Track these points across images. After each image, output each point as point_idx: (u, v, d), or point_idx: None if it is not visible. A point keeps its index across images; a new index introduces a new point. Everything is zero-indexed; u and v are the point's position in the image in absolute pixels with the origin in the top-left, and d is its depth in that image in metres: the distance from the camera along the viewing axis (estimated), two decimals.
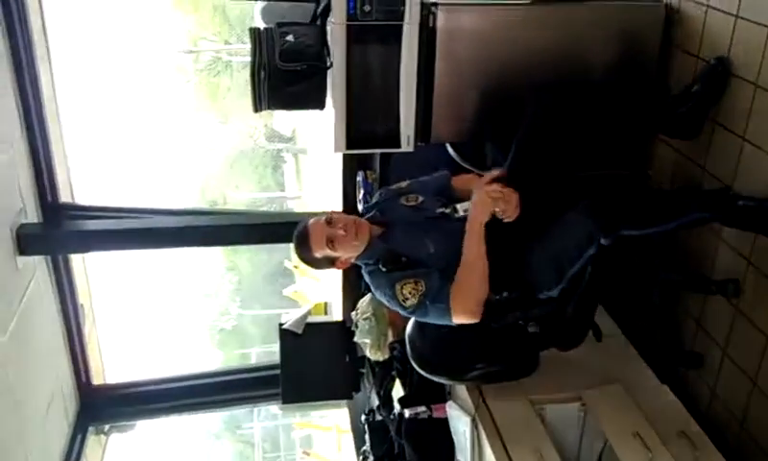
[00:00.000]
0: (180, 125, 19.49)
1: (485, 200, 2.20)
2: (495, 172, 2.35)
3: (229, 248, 17.56)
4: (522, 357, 2.46)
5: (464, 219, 2.23)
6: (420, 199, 2.43)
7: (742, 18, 2.33)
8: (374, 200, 2.59)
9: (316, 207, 16.94)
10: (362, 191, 3.19)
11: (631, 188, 2.66)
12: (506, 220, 2.19)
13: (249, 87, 2.70)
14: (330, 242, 2.22)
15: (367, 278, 2.36)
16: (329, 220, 2.25)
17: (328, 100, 2.75)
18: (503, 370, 2.47)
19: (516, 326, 2.34)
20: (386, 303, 2.32)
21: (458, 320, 2.17)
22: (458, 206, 2.28)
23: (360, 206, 3.21)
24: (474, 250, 2.18)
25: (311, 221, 2.29)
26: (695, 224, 2.33)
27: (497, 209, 2.18)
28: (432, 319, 2.23)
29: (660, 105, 2.60)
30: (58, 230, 3.63)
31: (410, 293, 2.20)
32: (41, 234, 3.50)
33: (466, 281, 2.17)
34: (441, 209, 2.31)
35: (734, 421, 2.45)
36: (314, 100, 2.78)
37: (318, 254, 2.27)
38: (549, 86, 2.46)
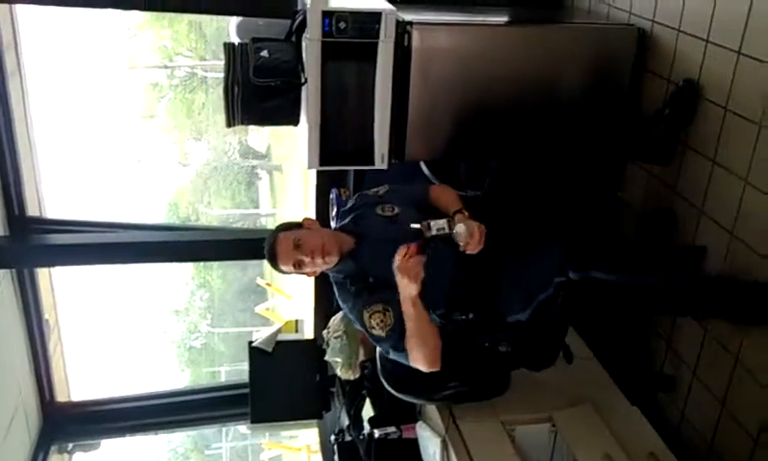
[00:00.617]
0: (153, 140, 19.35)
1: (403, 280, 2.11)
2: (409, 247, 2.15)
3: (201, 264, 17.43)
4: (493, 377, 2.47)
5: (435, 238, 2.20)
6: (396, 211, 2.38)
7: (712, 43, 2.37)
8: (350, 204, 2.54)
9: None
10: (335, 208, 3.17)
11: (610, 234, 2.65)
12: (468, 252, 2.16)
13: (222, 101, 2.68)
14: (297, 265, 2.23)
15: (335, 287, 2.38)
16: (297, 244, 2.22)
17: (303, 116, 2.74)
18: (474, 390, 2.47)
19: (486, 346, 2.34)
20: (352, 318, 2.35)
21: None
22: (431, 223, 2.23)
23: (333, 223, 3.19)
24: (413, 324, 2.16)
25: (280, 237, 2.25)
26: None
27: (461, 243, 2.15)
28: (394, 357, 2.27)
29: (632, 129, 2.63)
30: (23, 244, 3.58)
31: (378, 324, 2.24)
32: (6, 247, 3.44)
33: (416, 350, 2.18)
34: (414, 225, 2.28)
35: (703, 443, 2.47)
36: (288, 115, 2.76)
37: (286, 271, 2.29)
38: (515, 148, 2.55)
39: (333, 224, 3.18)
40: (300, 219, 2.40)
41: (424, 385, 2.47)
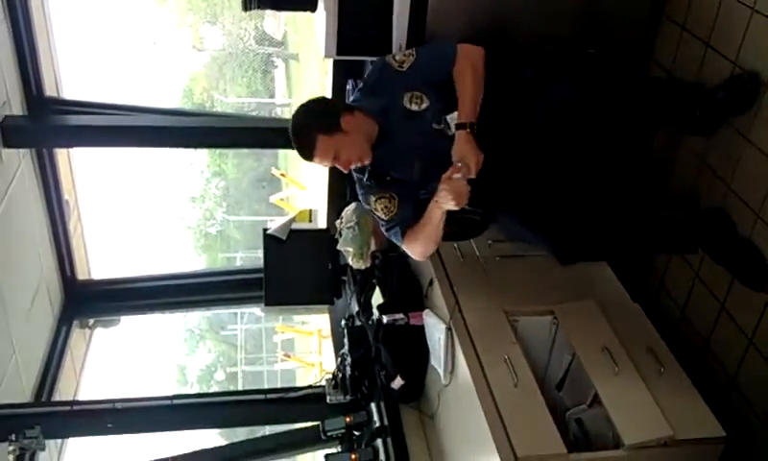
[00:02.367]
0: (168, 22, 18.97)
1: (448, 196, 2.16)
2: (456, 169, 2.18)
3: (217, 153, 17.45)
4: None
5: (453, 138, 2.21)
6: (424, 105, 2.29)
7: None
8: (374, 76, 2.39)
9: None
10: (351, 99, 3.16)
11: (600, 220, 2.43)
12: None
13: None
14: (336, 159, 2.27)
15: (354, 175, 2.46)
16: (337, 155, 2.25)
17: (320, 2, 2.69)
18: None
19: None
20: (360, 199, 2.50)
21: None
22: (448, 118, 2.25)
23: None
24: (429, 228, 2.29)
25: (320, 140, 2.23)
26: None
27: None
28: (388, 236, 2.44)
29: (678, 100, 2.45)
30: (42, 124, 3.60)
31: (382, 210, 2.39)
32: (25, 127, 3.47)
33: (420, 239, 2.34)
34: (436, 126, 2.27)
35: (699, 339, 2.55)
36: (305, 1, 2.72)
37: (318, 163, 2.33)
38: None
39: None
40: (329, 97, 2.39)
41: None
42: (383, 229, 2.45)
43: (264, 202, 16.14)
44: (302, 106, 2.35)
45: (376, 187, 2.38)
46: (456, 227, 2.41)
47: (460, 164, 2.16)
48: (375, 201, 2.39)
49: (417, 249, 2.38)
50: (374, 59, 2.41)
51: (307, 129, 2.26)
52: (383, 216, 2.40)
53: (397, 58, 2.34)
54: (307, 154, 2.28)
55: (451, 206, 2.18)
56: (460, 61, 2.25)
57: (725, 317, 2.43)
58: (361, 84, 2.45)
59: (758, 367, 2.27)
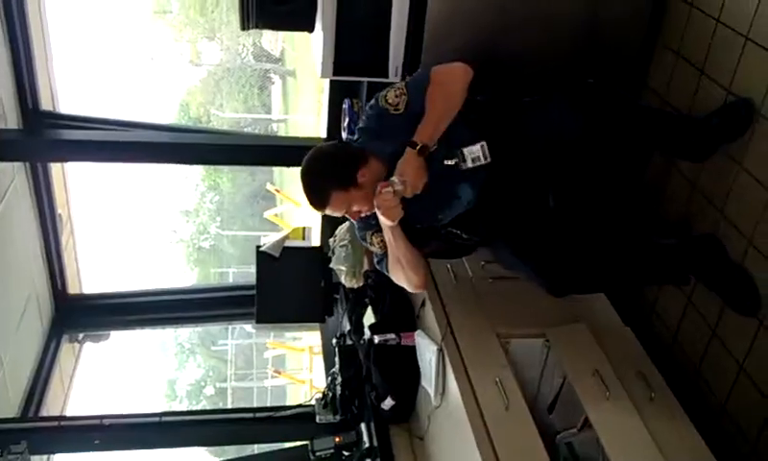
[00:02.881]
0: (166, 37, 19.04)
1: (379, 213, 2.14)
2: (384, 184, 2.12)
3: (212, 167, 17.46)
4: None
5: (470, 171, 2.16)
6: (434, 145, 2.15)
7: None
8: (373, 122, 2.27)
9: (301, 132, 16.81)
10: (347, 119, 3.18)
11: (590, 254, 2.38)
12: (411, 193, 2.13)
13: (237, 1, 2.66)
14: (347, 211, 2.23)
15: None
16: (350, 210, 2.22)
17: (318, 22, 2.71)
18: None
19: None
20: (357, 235, 2.47)
21: None
22: (465, 152, 2.15)
23: (344, 134, 3.20)
24: (391, 243, 2.26)
25: (334, 196, 2.17)
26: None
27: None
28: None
29: (672, 126, 2.48)
30: (37, 138, 3.59)
31: (378, 244, 2.37)
32: (20, 141, 3.47)
33: (392, 264, 2.33)
34: (448, 162, 2.17)
35: (690, 364, 2.56)
36: (303, 21, 2.74)
37: (330, 213, 2.29)
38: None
39: (344, 134, 3.20)
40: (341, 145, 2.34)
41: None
42: (375, 260, 2.45)
43: (258, 217, 16.15)
44: (316, 157, 2.24)
45: (377, 224, 2.30)
46: (445, 245, 2.40)
47: (395, 179, 2.10)
48: (372, 235, 2.36)
49: (397, 275, 2.34)
50: (368, 103, 2.32)
51: (322, 182, 2.19)
52: (378, 250, 2.38)
53: (390, 100, 2.22)
54: (319, 207, 2.23)
55: (385, 221, 2.15)
56: (430, 87, 2.16)
57: (716, 343, 2.43)
58: (362, 124, 2.32)
59: (749, 393, 2.27)
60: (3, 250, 3.40)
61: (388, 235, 2.24)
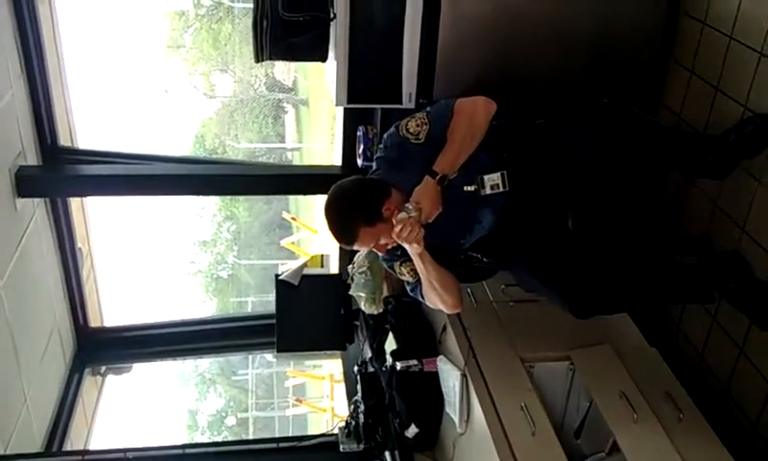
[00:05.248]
0: (180, 70, 19.30)
1: (405, 242, 2.15)
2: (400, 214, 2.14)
3: (228, 197, 17.58)
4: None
5: (490, 197, 2.20)
6: (454, 173, 2.17)
7: None
8: (394, 153, 2.26)
9: (315, 160, 16.89)
10: (362, 146, 3.19)
11: (615, 274, 2.34)
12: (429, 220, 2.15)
13: (250, 35, 2.69)
14: (375, 245, 2.23)
15: None
16: (377, 244, 2.22)
17: (331, 52, 2.73)
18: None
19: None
20: (384, 265, 2.46)
21: None
22: (485, 179, 2.18)
23: (359, 161, 3.21)
24: (420, 268, 2.25)
25: (362, 233, 2.16)
26: None
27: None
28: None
29: (689, 147, 2.44)
30: (56, 174, 3.64)
31: (409, 273, 2.36)
32: (40, 177, 3.51)
33: (426, 288, 2.32)
34: (468, 188, 2.21)
35: (718, 384, 2.51)
36: (317, 51, 2.76)
37: (357, 249, 2.32)
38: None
39: (359, 161, 3.20)
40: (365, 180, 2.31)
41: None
42: (408, 288, 2.44)
43: (275, 245, 16.19)
44: (340, 195, 2.22)
45: (404, 255, 2.31)
46: (465, 269, 2.38)
47: (409, 206, 2.11)
48: (401, 265, 2.36)
49: (433, 300, 2.33)
50: (388, 132, 2.30)
51: (348, 221, 2.17)
52: (410, 279, 2.37)
53: (411, 129, 2.22)
54: (347, 243, 2.22)
55: (412, 248, 2.17)
56: (454, 119, 2.17)
57: (744, 361, 2.39)
58: (381, 154, 2.32)
59: None
60: (24, 285, 3.43)
61: (417, 262, 2.23)
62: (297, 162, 18.65)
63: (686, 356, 2.69)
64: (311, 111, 17.79)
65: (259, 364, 16.50)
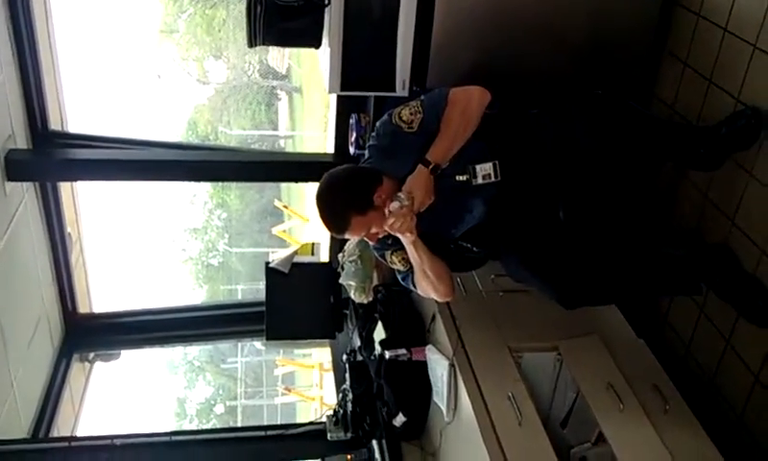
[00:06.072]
0: (173, 55, 19.18)
1: (398, 231, 2.14)
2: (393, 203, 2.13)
3: (219, 184, 17.54)
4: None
5: (481, 186, 2.20)
6: (446, 163, 2.17)
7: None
8: (387, 141, 2.24)
9: (308, 149, 16.86)
10: (354, 134, 3.18)
11: (604, 265, 2.34)
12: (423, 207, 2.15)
13: (244, 21, 2.67)
14: (366, 234, 2.23)
15: None
16: (368, 234, 2.21)
17: (325, 38, 2.72)
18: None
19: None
20: (375, 254, 2.45)
21: None
22: (477, 168, 2.19)
23: (352, 149, 3.21)
24: (413, 255, 2.25)
25: (354, 222, 2.15)
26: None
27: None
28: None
29: (681, 137, 2.46)
30: (46, 158, 3.61)
31: (400, 262, 2.36)
32: (29, 161, 3.48)
33: (418, 276, 2.31)
34: (460, 178, 2.22)
35: (705, 375, 2.53)
36: (310, 37, 2.75)
37: (349, 238, 2.34)
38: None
39: (352, 149, 3.20)
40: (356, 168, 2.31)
41: None
42: (399, 277, 2.44)
43: (266, 233, 16.18)
44: (332, 184, 2.21)
45: (395, 244, 2.31)
46: (456, 258, 2.39)
47: (401, 195, 2.10)
48: (392, 254, 2.36)
49: (425, 289, 2.33)
50: (381, 120, 2.28)
51: (340, 210, 2.17)
52: (402, 268, 2.37)
53: (404, 118, 2.20)
54: (339, 232, 2.22)
55: (405, 237, 2.17)
56: (448, 108, 2.16)
57: (731, 353, 2.40)
58: (373, 142, 2.29)
59: (766, 404, 2.24)
60: (13, 270, 3.41)
61: (411, 250, 2.23)
62: (289, 150, 18.61)
63: (674, 348, 2.71)
64: (304, 99, 17.74)
65: (249, 352, 16.51)
